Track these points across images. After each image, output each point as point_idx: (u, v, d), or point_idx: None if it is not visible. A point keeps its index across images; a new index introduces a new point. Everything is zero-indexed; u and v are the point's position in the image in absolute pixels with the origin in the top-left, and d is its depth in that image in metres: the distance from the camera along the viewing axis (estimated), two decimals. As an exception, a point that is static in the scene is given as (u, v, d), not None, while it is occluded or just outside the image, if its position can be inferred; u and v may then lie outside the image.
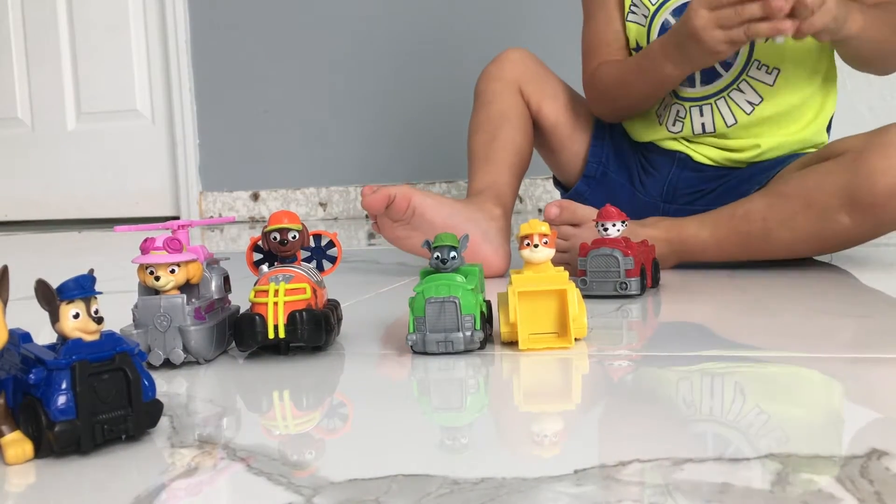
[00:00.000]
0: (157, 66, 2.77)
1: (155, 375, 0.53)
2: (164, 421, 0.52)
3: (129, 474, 0.44)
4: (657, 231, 1.05)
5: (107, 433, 0.46)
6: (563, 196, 1.34)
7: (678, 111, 1.20)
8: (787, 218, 0.97)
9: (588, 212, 1.05)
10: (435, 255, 0.69)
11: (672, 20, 1.16)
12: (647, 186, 1.25)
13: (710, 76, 1.16)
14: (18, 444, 0.45)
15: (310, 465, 0.44)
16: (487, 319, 0.70)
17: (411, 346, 0.68)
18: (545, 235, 0.69)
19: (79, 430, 0.45)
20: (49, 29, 2.85)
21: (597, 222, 0.92)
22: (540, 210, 2.34)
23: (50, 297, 0.46)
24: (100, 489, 0.42)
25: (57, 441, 0.45)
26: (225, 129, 2.73)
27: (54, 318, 0.47)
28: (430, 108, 2.48)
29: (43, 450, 0.46)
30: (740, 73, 1.15)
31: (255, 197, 2.72)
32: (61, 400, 0.45)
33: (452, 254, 0.69)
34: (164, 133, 2.79)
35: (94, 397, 0.46)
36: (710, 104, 1.17)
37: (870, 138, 0.97)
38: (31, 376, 0.45)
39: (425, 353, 0.68)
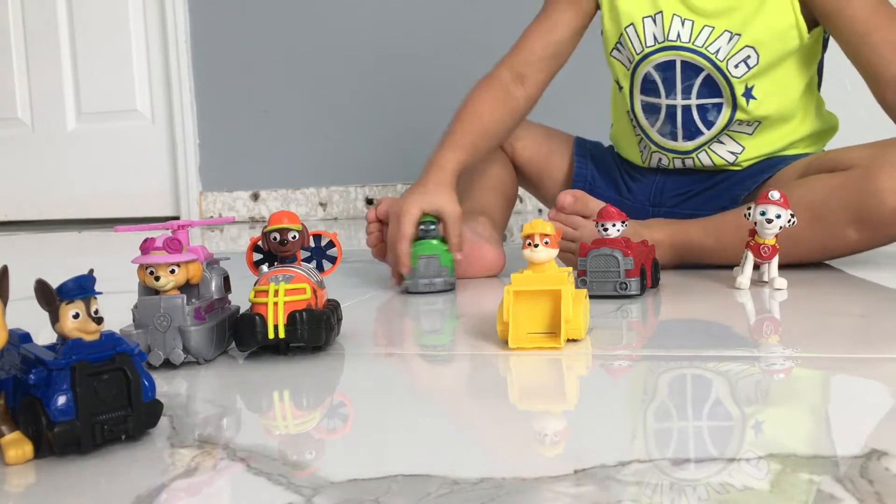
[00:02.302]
0: (157, 66, 2.77)
1: (155, 375, 0.53)
2: (164, 421, 0.52)
3: (129, 474, 0.44)
4: (661, 234, 1.05)
5: (107, 433, 0.46)
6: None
7: (660, 158, 1.20)
8: (794, 231, 0.96)
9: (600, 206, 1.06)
10: (420, 227, 1.01)
11: (655, 74, 1.14)
12: (634, 192, 1.25)
13: (692, 132, 1.15)
14: (18, 444, 0.45)
15: (310, 465, 0.44)
16: None
17: (406, 289, 1.02)
18: (546, 236, 0.69)
19: (79, 431, 0.45)
20: (49, 29, 2.85)
21: (597, 222, 0.92)
22: (541, 210, 2.34)
23: (50, 298, 0.46)
24: (100, 489, 0.42)
25: (57, 441, 0.45)
26: (225, 129, 2.73)
27: (54, 319, 0.47)
28: (430, 108, 2.48)
29: (43, 450, 0.46)
30: (721, 131, 1.14)
31: (255, 197, 2.72)
32: (61, 400, 0.45)
33: (433, 226, 1.02)
34: (164, 133, 2.79)
35: (93, 397, 0.46)
36: (692, 157, 1.18)
37: (879, 154, 0.97)
38: (31, 376, 0.45)
39: (417, 293, 1.01)
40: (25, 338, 0.49)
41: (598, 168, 1.30)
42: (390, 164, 2.55)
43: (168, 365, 0.66)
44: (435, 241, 1.01)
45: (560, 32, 1.19)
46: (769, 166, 1.14)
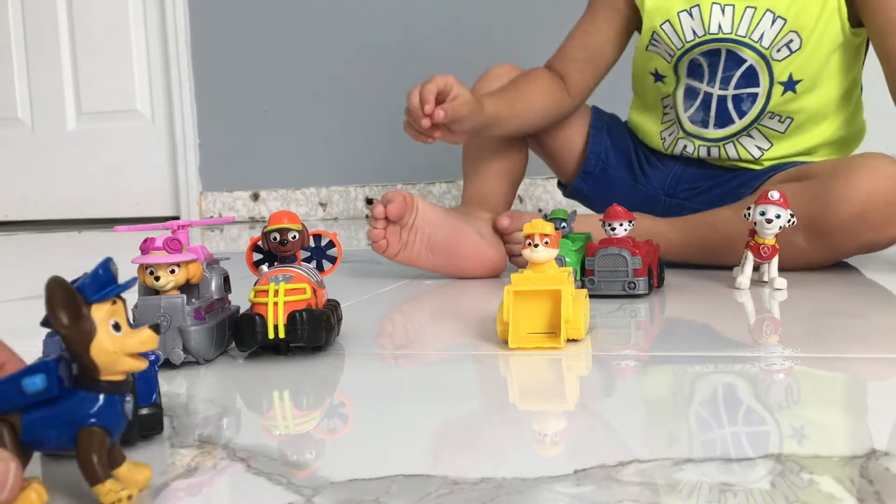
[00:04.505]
0: (157, 66, 2.77)
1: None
2: (163, 421, 0.52)
3: (129, 474, 0.44)
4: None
5: None
6: (564, 193, 1.35)
7: (685, 145, 1.20)
8: (746, 233, 0.96)
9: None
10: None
11: (703, 60, 1.13)
12: (649, 177, 1.25)
13: (724, 120, 1.15)
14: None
15: (310, 465, 0.44)
16: None
17: None
18: (547, 235, 0.69)
19: None
20: (49, 29, 2.85)
21: (603, 222, 0.92)
22: (540, 210, 2.34)
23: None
24: (100, 489, 0.42)
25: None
26: (225, 129, 2.73)
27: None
28: (430, 108, 2.48)
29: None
30: (752, 122, 1.14)
31: (255, 197, 2.72)
32: None
33: (563, 224, 0.94)
34: (164, 133, 2.79)
35: None
36: (719, 147, 1.17)
37: (839, 165, 0.98)
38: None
39: None
40: None
41: (613, 144, 1.28)
42: (390, 164, 2.55)
43: (168, 365, 0.66)
44: (567, 242, 0.94)
45: (596, 36, 1.20)
46: (779, 167, 1.14)
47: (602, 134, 1.28)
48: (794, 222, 0.92)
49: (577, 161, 1.30)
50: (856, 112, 1.18)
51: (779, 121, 1.14)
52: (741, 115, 1.14)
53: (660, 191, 1.24)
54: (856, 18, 1.09)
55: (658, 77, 1.21)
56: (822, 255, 1.01)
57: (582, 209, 1.31)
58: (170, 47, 2.72)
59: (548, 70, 1.22)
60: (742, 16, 1.09)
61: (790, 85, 1.11)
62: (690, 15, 1.12)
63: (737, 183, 1.17)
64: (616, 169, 1.27)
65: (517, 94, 1.16)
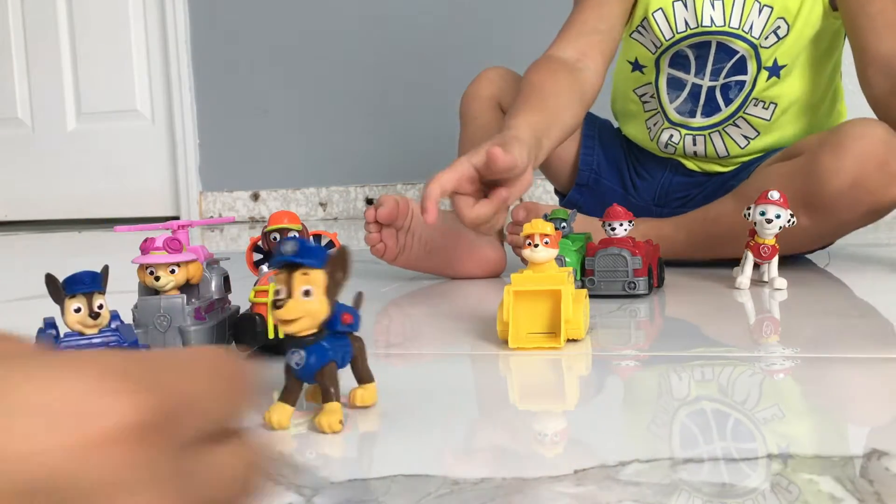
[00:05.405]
0: (157, 66, 2.77)
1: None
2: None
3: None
4: (636, 232, 1.06)
5: None
6: (560, 203, 1.35)
7: (671, 135, 1.19)
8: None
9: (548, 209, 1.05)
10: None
11: (689, 51, 1.12)
12: (640, 190, 1.25)
13: (711, 109, 1.14)
14: None
15: (310, 465, 0.44)
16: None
17: None
18: (546, 235, 0.69)
19: None
20: (49, 29, 2.85)
21: (604, 222, 0.92)
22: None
23: (57, 292, 0.47)
24: (100, 489, 0.42)
25: None
26: (225, 129, 2.73)
27: (62, 312, 0.48)
28: (429, 108, 2.48)
29: None
30: (738, 109, 1.13)
31: (255, 197, 2.72)
32: None
33: (563, 224, 0.93)
34: (164, 133, 2.79)
35: None
36: (705, 136, 1.16)
37: (823, 138, 0.97)
38: None
39: None
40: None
41: (606, 155, 1.27)
42: (390, 164, 2.55)
43: (168, 365, 0.66)
44: (567, 242, 0.92)
45: (611, 5, 1.12)
46: (758, 160, 1.14)
47: (594, 143, 1.27)
48: (794, 222, 0.92)
49: (570, 169, 1.29)
50: (835, 100, 1.19)
51: (763, 107, 1.13)
52: (728, 102, 1.13)
53: (650, 202, 1.23)
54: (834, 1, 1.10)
55: (637, 67, 1.19)
56: (827, 231, 1.00)
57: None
58: (170, 47, 2.72)
59: (547, 58, 1.10)
60: (732, 7, 1.09)
61: (775, 70, 1.11)
62: (685, 5, 1.11)
63: (720, 181, 1.17)
64: (609, 180, 1.26)
65: (536, 100, 0.99)
